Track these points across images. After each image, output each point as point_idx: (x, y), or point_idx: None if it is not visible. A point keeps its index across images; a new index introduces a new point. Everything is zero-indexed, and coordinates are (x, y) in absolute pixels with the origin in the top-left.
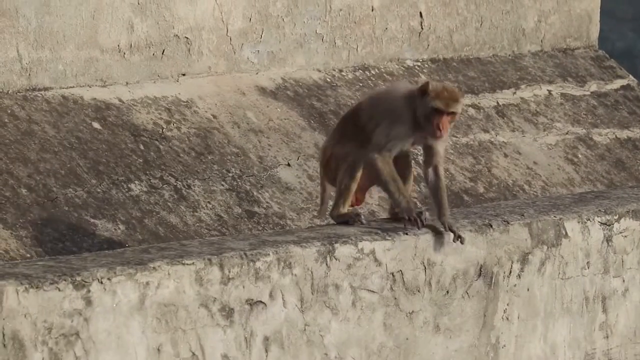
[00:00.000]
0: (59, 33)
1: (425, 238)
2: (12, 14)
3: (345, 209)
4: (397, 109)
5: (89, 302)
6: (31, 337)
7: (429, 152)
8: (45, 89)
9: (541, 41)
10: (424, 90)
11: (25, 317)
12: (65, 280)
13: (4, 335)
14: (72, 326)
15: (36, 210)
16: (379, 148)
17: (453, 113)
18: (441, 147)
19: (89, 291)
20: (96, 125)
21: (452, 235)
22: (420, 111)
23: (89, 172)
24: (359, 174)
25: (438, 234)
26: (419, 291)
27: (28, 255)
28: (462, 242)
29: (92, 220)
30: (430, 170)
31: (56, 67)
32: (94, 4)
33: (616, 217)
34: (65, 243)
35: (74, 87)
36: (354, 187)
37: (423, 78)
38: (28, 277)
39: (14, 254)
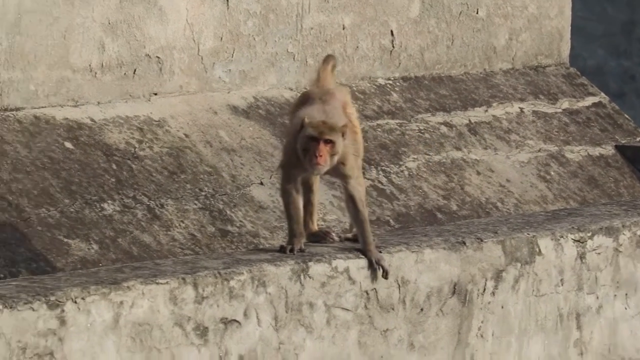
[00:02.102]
0: (30, 53)
1: (399, 256)
2: None
3: (315, 225)
4: (289, 140)
5: (63, 321)
6: (5, 357)
7: (343, 185)
8: (17, 109)
9: (512, 59)
10: (301, 125)
11: (0, 337)
12: (39, 300)
13: None
14: (46, 346)
15: (9, 231)
16: (281, 175)
17: (330, 141)
18: (352, 174)
19: (63, 311)
20: (68, 145)
21: (380, 268)
22: (299, 145)
23: (61, 192)
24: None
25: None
26: (393, 309)
27: (1, 275)
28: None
29: (65, 239)
30: (350, 202)
31: (28, 88)
32: (65, 24)
33: (589, 234)
34: (39, 263)
35: (45, 107)
36: (300, 207)
37: (395, 97)
38: (2, 298)
39: None
